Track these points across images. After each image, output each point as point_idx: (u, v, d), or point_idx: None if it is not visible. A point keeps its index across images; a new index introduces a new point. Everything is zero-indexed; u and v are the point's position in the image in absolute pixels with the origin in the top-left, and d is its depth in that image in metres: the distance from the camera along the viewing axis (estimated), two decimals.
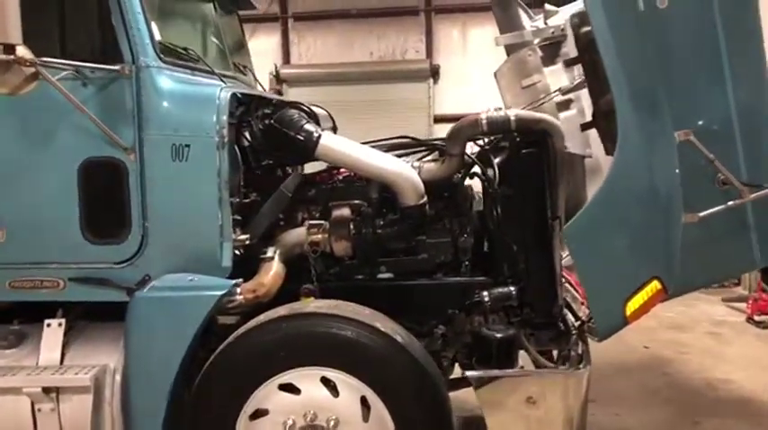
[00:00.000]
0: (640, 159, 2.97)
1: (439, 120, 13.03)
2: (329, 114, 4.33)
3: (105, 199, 3.26)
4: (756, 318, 7.55)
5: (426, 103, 13.42)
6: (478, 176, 3.75)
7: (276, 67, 13.31)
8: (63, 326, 3.33)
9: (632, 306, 3.03)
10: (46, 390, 3.17)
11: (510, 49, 4.95)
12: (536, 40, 4.55)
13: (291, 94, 12.77)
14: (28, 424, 3.23)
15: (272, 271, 3.43)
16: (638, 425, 4.79)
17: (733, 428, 4.73)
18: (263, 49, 13.15)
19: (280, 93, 12.80)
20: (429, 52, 13.57)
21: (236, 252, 3.37)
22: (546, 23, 4.36)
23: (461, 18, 13.41)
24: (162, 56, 3.26)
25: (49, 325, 3.33)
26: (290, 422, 3.04)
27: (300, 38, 13.80)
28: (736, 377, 5.75)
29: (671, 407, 5.13)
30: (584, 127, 3.64)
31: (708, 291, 8.62)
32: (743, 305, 7.96)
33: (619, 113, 2.93)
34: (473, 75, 12.81)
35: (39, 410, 3.22)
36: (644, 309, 3.04)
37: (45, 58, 2.88)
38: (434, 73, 13.41)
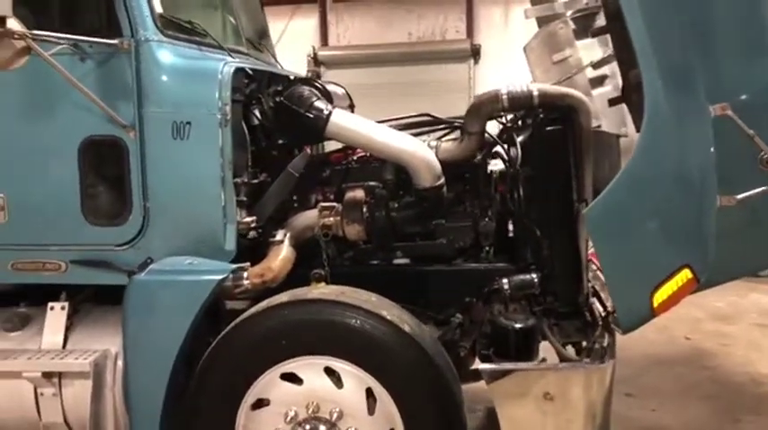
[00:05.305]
0: (670, 136, 2.70)
1: None
2: (347, 93, 4.15)
3: (106, 179, 3.15)
4: None
5: (467, 84, 13.05)
6: (500, 156, 3.54)
7: (314, 49, 13.18)
8: (66, 310, 3.25)
9: (660, 296, 2.76)
10: (47, 375, 3.09)
11: (541, 23, 4.72)
12: (568, 13, 4.31)
13: (330, 76, 12.60)
14: (31, 407, 3.17)
15: (281, 255, 3.28)
16: (675, 422, 4.51)
17: None
18: (301, 31, 13.06)
19: (318, 75, 12.67)
20: (470, 32, 13.21)
21: (251, 234, 3.24)
22: None
23: None
24: (163, 29, 3.12)
25: (52, 308, 3.25)
26: (291, 413, 2.90)
27: (339, 19, 13.60)
28: None
29: (710, 403, 4.83)
30: (612, 102, 3.38)
31: (763, 280, 8.14)
32: None
33: (646, 86, 2.66)
34: (515, 55, 12.40)
35: (41, 394, 3.15)
36: (673, 299, 2.78)
37: (37, 32, 2.76)
38: (475, 53, 13.04)
